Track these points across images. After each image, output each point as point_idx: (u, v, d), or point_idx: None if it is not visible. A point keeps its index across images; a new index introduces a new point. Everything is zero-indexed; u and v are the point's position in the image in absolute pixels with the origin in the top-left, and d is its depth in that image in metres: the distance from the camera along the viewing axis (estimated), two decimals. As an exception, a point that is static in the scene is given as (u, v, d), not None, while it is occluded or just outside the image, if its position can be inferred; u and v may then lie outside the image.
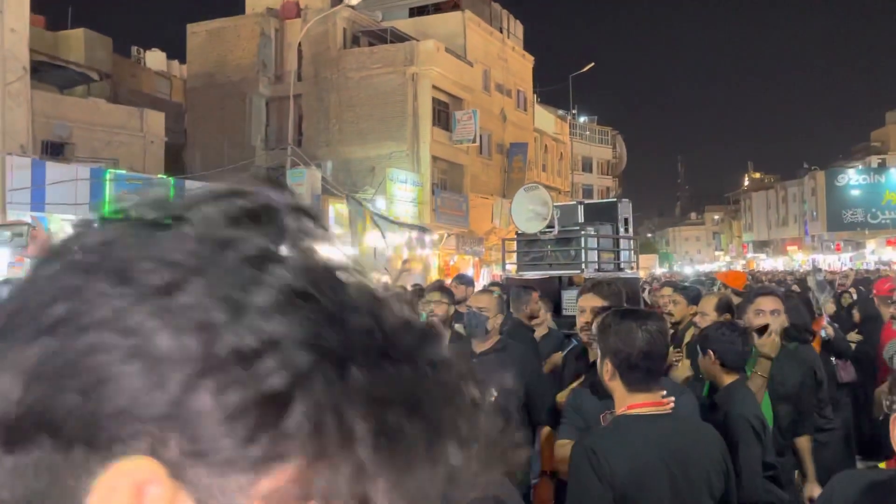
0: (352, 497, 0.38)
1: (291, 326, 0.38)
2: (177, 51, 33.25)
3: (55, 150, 19.68)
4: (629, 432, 2.19)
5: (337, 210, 23.69)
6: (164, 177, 19.60)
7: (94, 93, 22.97)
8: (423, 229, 19.20)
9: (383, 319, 0.41)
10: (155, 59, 33.70)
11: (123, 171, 18.50)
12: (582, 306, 3.29)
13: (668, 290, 5.70)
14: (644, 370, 2.23)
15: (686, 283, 8.05)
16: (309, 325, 0.38)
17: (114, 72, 26.08)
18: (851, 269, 28.09)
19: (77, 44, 25.38)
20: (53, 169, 16.62)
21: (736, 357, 3.21)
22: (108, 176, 17.44)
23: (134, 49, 33.51)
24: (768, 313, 3.61)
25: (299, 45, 25.72)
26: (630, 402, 2.26)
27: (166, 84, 31.56)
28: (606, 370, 2.29)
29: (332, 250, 0.44)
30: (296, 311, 0.38)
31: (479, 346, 3.82)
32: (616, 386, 2.28)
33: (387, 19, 30.01)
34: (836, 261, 47.60)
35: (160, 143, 22.98)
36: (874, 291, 6.00)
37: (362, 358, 0.39)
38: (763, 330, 3.53)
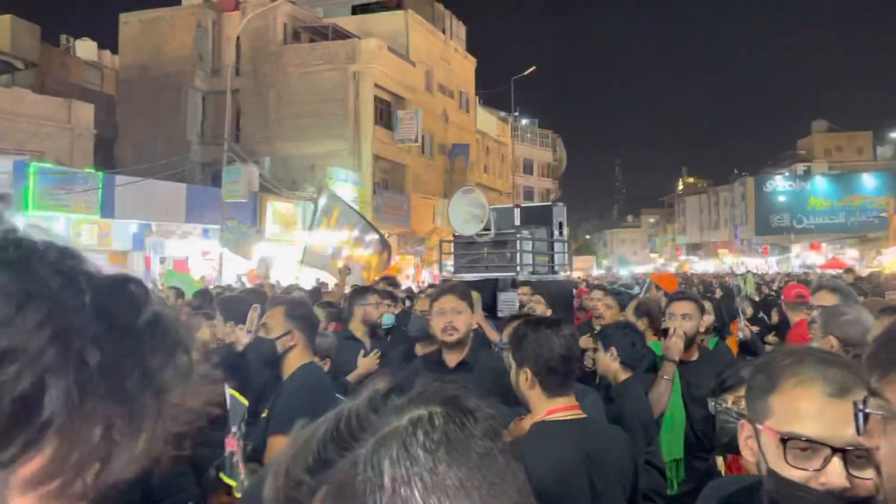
0: (101, 460, 0.45)
1: (27, 328, 0.42)
2: (109, 41, 32.16)
3: (-25, 140, 18.77)
4: (551, 438, 2.23)
5: (275, 208, 23.33)
6: (93, 171, 18.93)
7: (19, 82, 21.98)
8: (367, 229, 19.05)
9: (110, 300, 0.47)
10: (86, 48, 32.48)
11: (49, 164, 17.79)
12: (441, 308, 3.19)
13: (598, 294, 5.80)
14: (563, 375, 2.30)
15: (619, 289, 8.22)
16: (44, 322, 0.43)
17: (41, 61, 25.03)
18: (777, 273, 29.21)
19: (2, 31, 24.25)
20: (-27, 161, 15.86)
21: (633, 355, 3.44)
22: (31, 169, 16.75)
23: (63, 37, 32.23)
24: (678, 317, 3.68)
25: (238, 38, 25.21)
26: (549, 408, 2.29)
27: (97, 75, 30.46)
28: (525, 379, 2.30)
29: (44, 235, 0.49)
30: (29, 313, 0.43)
31: (423, 352, 3.83)
32: (534, 394, 2.31)
33: (328, 16, 29.70)
34: (763, 264, 49.46)
35: (89, 135, 22.16)
36: (783, 297, 6.25)
37: (96, 338, 0.45)
38: (665, 332, 3.65)
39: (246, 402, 2.68)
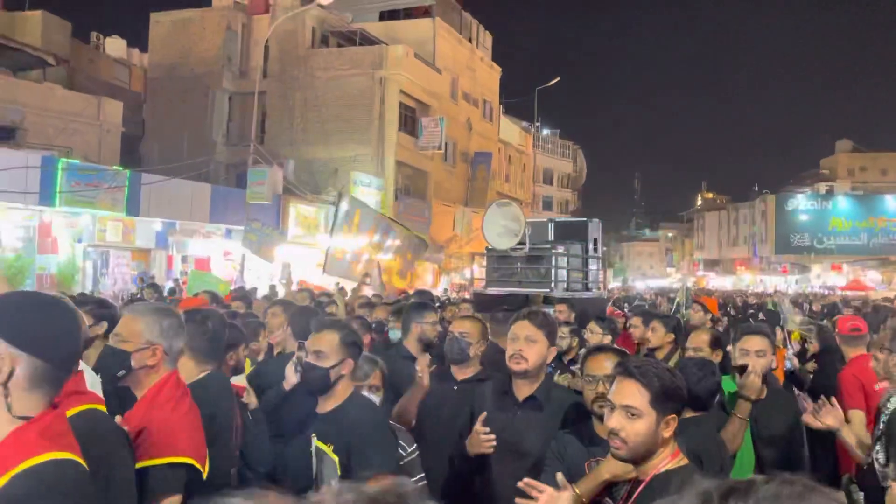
0: None
1: None
2: (138, 39, 32.42)
3: (6, 134, 18.93)
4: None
5: (298, 210, 23.35)
6: (120, 168, 19.04)
7: (49, 78, 22.21)
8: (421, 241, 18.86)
9: None
10: (115, 46, 32.79)
11: (77, 160, 17.91)
12: (516, 334, 3.04)
13: (637, 321, 5.64)
14: None
15: (661, 314, 8.06)
16: None
17: (71, 57, 25.30)
18: (814, 293, 28.75)
19: (34, 26, 24.53)
20: (3, 154, 15.95)
21: (700, 393, 3.16)
22: (60, 164, 16.85)
23: (93, 35, 32.54)
24: (752, 353, 3.50)
25: (266, 41, 25.33)
26: (673, 452, 2.19)
27: (126, 73, 30.74)
28: (667, 427, 2.14)
29: None
30: None
31: (460, 374, 3.70)
32: (669, 441, 2.18)
33: (357, 21, 29.79)
34: (782, 283, 48.92)
35: (117, 132, 22.33)
36: (836, 329, 5.97)
37: None
38: (742, 370, 3.41)
39: (336, 457, 2.47)
